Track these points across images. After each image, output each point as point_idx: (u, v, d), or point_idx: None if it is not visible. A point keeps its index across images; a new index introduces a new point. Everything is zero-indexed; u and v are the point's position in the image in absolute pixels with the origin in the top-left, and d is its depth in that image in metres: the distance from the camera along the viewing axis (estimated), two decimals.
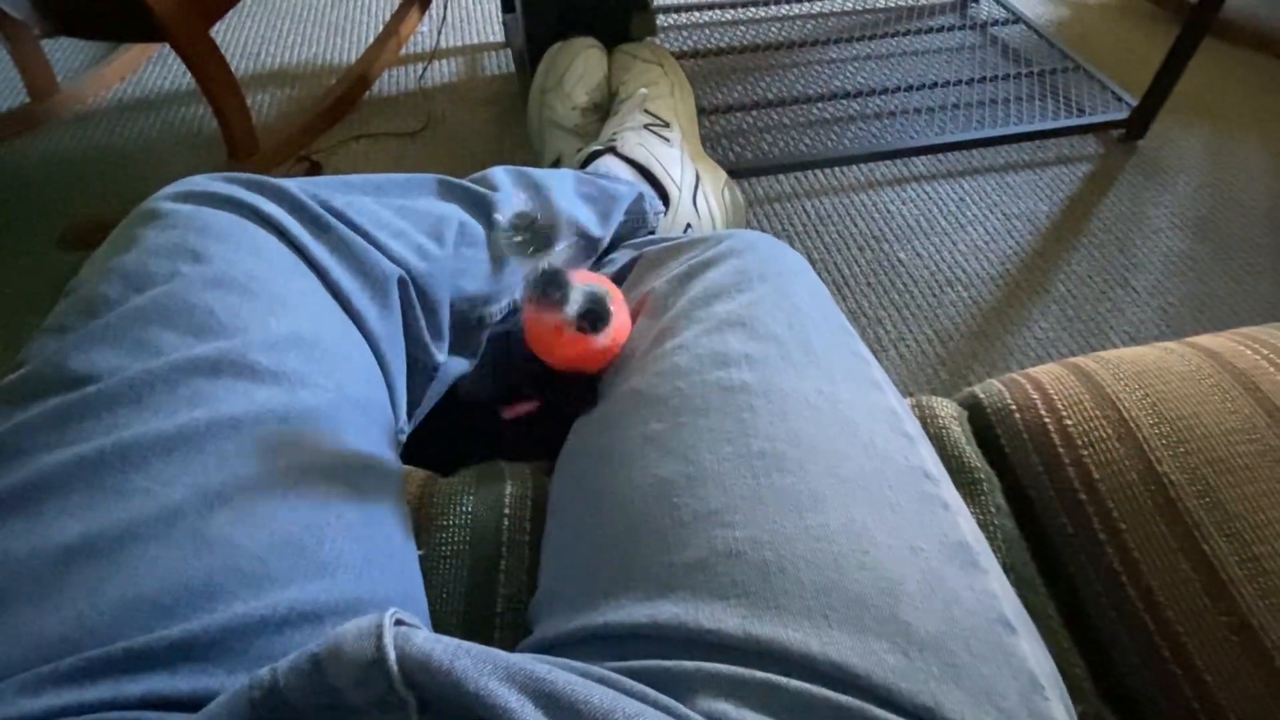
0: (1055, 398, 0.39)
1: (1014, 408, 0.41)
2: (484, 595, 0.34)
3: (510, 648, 0.32)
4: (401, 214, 0.44)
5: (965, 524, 0.29)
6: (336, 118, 1.17)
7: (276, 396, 0.31)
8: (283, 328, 0.33)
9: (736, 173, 1.02)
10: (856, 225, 1.06)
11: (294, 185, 0.40)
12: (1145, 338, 0.94)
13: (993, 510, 0.37)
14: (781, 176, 1.12)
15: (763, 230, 1.05)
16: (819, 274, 1.05)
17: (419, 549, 0.35)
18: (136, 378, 0.29)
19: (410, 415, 0.44)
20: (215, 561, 0.26)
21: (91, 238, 0.95)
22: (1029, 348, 0.92)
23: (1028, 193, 1.12)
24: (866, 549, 0.26)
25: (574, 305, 0.35)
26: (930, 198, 1.10)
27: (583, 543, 0.31)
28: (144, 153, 1.13)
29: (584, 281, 0.39)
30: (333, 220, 0.39)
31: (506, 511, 0.37)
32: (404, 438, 0.43)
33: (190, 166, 1.09)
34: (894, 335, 0.93)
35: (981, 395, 0.43)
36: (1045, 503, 0.37)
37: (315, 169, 1.08)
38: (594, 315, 0.36)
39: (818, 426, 0.31)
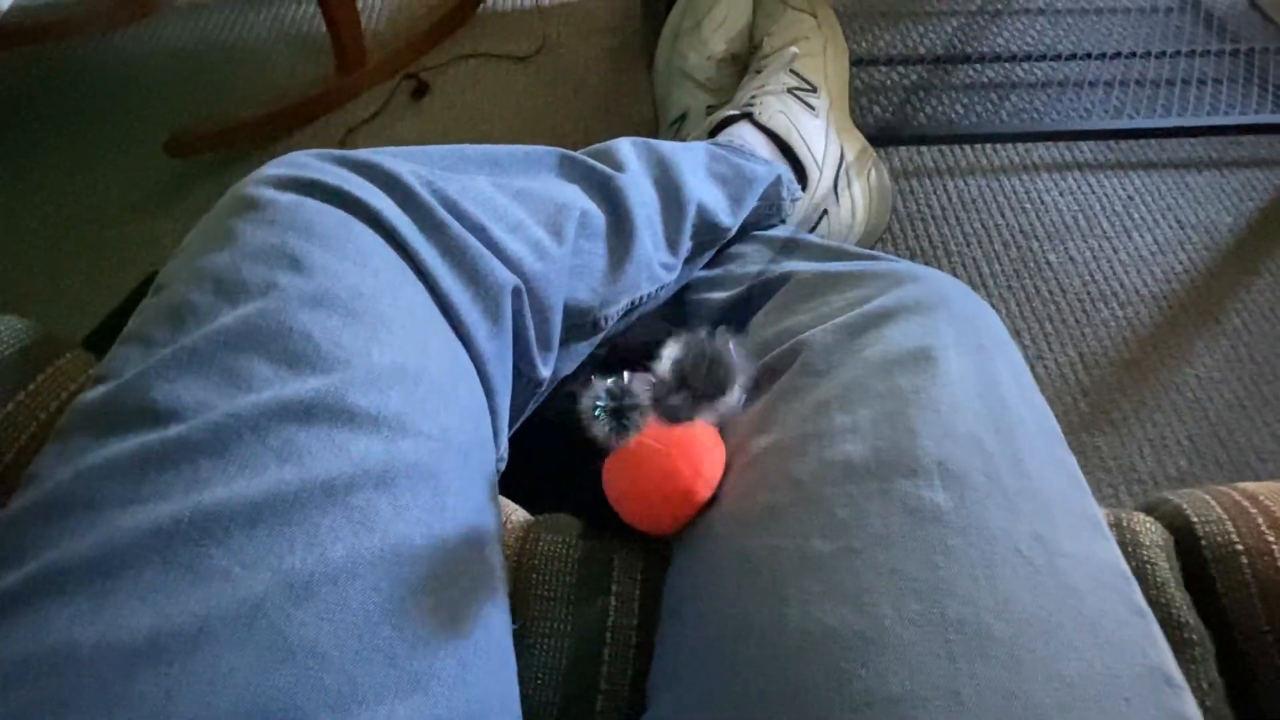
0: None
1: (1239, 547, 0.33)
2: (581, 693, 0.30)
3: None
4: (520, 199, 0.39)
5: None
6: (448, 32, 1.09)
7: (374, 450, 0.27)
8: (386, 358, 0.29)
9: (874, 140, 0.91)
10: (1004, 216, 0.94)
11: (408, 171, 0.35)
12: None
13: (1205, 688, 0.30)
14: (923, 148, 1.00)
15: (896, 210, 0.95)
16: (954, 269, 0.95)
17: (514, 621, 0.31)
18: (222, 424, 0.25)
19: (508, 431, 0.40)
20: (297, 676, 0.22)
21: (195, 148, 0.92)
22: (1187, 387, 0.81)
23: (1210, 198, 0.97)
24: None
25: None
26: (1093, 191, 0.97)
27: (710, 684, 0.26)
28: (253, 52, 1.09)
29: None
30: (446, 217, 0.34)
31: (615, 589, 0.32)
32: (503, 466, 0.38)
33: (296, 73, 1.05)
34: (1031, 353, 0.83)
35: (1193, 517, 0.35)
36: (1273, 684, 0.30)
37: (422, 88, 1.02)
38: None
39: (1033, 594, 0.24)
